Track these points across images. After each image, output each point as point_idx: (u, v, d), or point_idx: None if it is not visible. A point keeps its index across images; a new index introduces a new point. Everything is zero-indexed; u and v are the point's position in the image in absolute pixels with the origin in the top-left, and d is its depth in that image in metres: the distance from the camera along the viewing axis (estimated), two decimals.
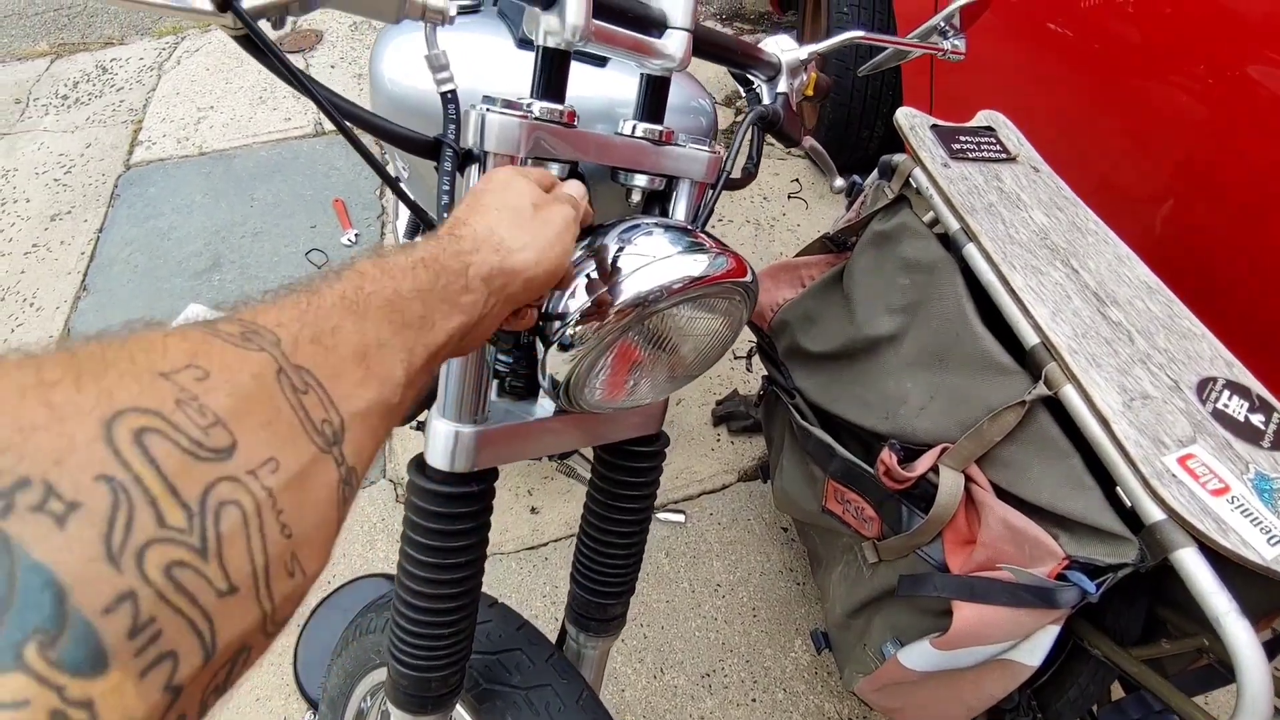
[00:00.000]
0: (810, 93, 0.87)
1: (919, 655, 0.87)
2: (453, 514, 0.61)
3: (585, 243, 0.56)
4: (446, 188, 0.52)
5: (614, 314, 0.53)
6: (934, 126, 1.07)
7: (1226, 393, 0.78)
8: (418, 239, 0.40)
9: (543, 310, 0.53)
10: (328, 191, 2.29)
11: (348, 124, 0.46)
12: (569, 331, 0.53)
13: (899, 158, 1.06)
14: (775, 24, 2.92)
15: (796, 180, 2.27)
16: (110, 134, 2.57)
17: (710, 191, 0.70)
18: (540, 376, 0.59)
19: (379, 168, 0.48)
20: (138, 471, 0.20)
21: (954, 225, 0.95)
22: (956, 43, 0.88)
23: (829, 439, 1.06)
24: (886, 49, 0.90)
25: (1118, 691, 0.92)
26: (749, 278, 0.59)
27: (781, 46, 0.81)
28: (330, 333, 0.30)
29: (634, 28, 0.61)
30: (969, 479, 0.86)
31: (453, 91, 0.52)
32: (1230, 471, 0.69)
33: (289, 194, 2.30)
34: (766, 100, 0.80)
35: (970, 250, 0.92)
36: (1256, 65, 1.06)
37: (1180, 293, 0.90)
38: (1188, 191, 1.19)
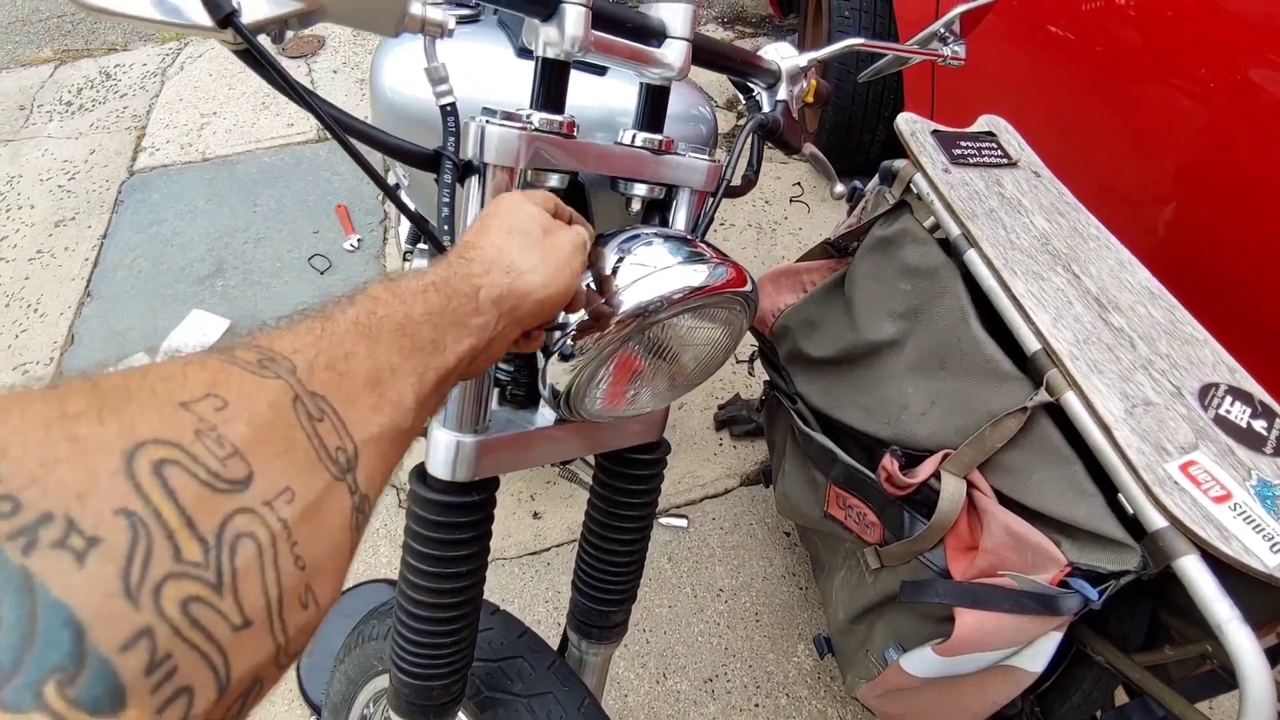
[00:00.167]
0: (810, 99, 0.87)
1: (921, 661, 0.87)
2: (454, 523, 0.61)
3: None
4: (446, 199, 0.52)
5: (614, 325, 0.53)
6: (935, 132, 1.07)
7: (1229, 398, 0.77)
8: (424, 262, 0.41)
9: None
10: (330, 197, 2.30)
11: (347, 137, 0.46)
12: (569, 342, 0.54)
13: (900, 163, 1.06)
14: (777, 27, 2.93)
15: (798, 184, 2.27)
16: (114, 140, 2.58)
17: (710, 200, 0.70)
18: (541, 386, 0.59)
19: (380, 180, 0.48)
20: (157, 505, 0.20)
21: (955, 231, 0.95)
22: (956, 49, 0.88)
23: (831, 444, 1.06)
24: (886, 55, 0.90)
25: (1121, 697, 0.92)
26: (749, 287, 0.59)
27: (781, 54, 0.81)
28: (344, 358, 0.30)
29: (633, 37, 0.61)
30: (971, 485, 0.86)
31: (452, 104, 0.52)
32: (1232, 478, 0.69)
33: (292, 199, 2.31)
34: (766, 108, 0.81)
35: (971, 256, 0.92)
36: (1258, 69, 1.06)
37: (1182, 298, 0.89)
38: (1190, 196, 1.19)
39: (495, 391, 0.68)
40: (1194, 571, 0.63)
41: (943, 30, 0.88)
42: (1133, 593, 0.76)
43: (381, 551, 1.47)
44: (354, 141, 0.50)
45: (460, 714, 0.76)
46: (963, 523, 0.86)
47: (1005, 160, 1.07)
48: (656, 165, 0.66)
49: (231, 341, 0.28)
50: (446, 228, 0.53)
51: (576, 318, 0.52)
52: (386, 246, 2.14)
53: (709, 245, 0.62)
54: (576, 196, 0.76)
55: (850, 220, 1.15)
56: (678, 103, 0.87)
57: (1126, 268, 0.92)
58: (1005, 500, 0.83)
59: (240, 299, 2.00)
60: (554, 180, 0.61)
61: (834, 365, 1.12)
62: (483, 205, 0.56)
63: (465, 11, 0.85)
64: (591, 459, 0.78)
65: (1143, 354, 0.81)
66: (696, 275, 0.57)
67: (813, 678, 1.30)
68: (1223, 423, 0.75)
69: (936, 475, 0.87)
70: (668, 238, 0.60)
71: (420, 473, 0.62)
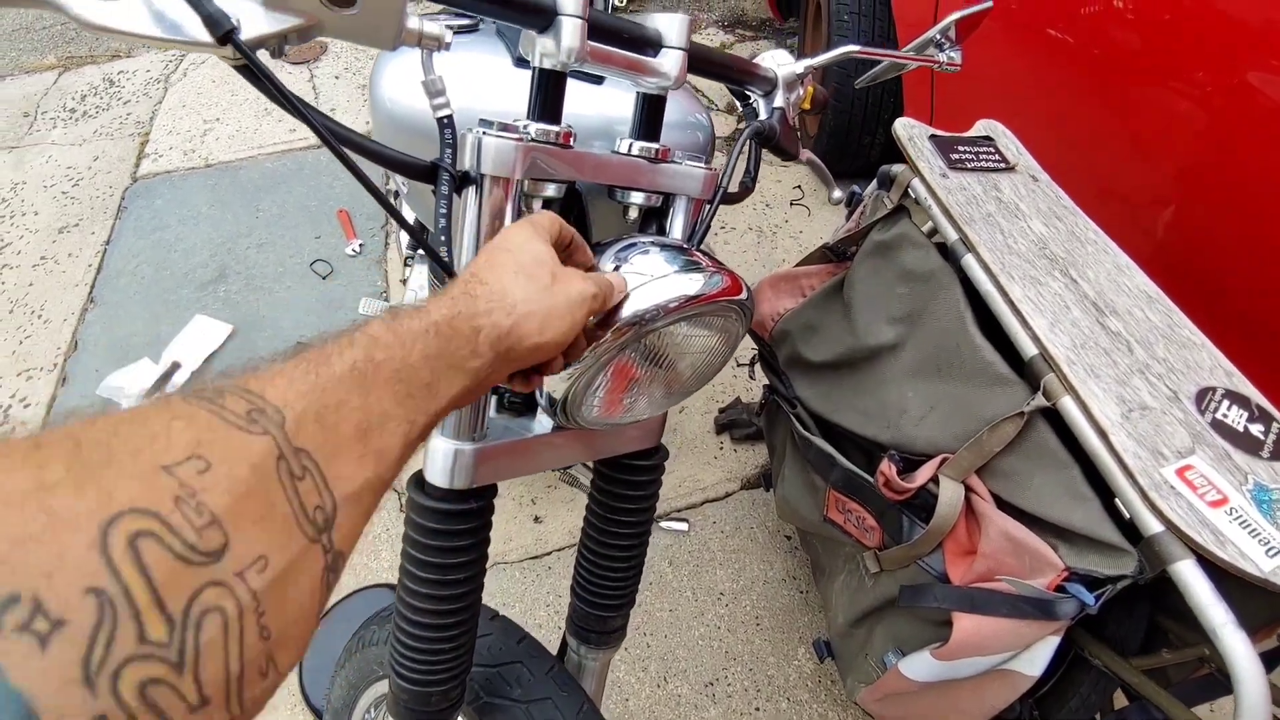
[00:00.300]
0: (807, 106, 0.87)
1: (920, 665, 0.87)
2: (452, 531, 0.62)
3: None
4: (444, 210, 0.53)
5: (611, 333, 0.54)
6: (932, 137, 1.07)
7: (1226, 402, 0.78)
8: (424, 269, 0.41)
9: None
10: (332, 202, 2.31)
11: (343, 149, 0.47)
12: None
13: (898, 168, 1.07)
14: (778, 30, 2.93)
15: (798, 187, 2.28)
16: (117, 147, 2.60)
17: (707, 207, 0.71)
18: (538, 394, 0.60)
19: (378, 194, 0.49)
20: (127, 582, 0.20)
21: (952, 235, 0.95)
22: (953, 55, 0.89)
23: (830, 449, 1.06)
24: (883, 62, 0.90)
25: (1121, 700, 0.92)
26: (744, 295, 0.60)
27: (778, 61, 0.81)
28: (336, 408, 0.30)
29: (629, 48, 0.61)
30: (969, 490, 0.86)
31: (449, 116, 0.53)
32: (1229, 482, 0.69)
33: (294, 205, 2.32)
34: (763, 115, 0.81)
35: (969, 261, 0.92)
36: (1256, 72, 1.06)
37: (1181, 301, 0.90)
38: (1188, 199, 1.20)
39: (493, 399, 0.68)
40: (1189, 576, 0.63)
41: (939, 36, 0.88)
42: (1130, 597, 0.77)
43: (383, 556, 1.48)
44: (352, 154, 0.50)
45: (459, 719, 0.76)
46: (961, 527, 0.86)
47: (1003, 165, 1.07)
48: (653, 174, 0.66)
49: (225, 381, 0.28)
50: (444, 238, 0.53)
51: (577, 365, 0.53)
52: (388, 251, 2.15)
53: (705, 254, 0.62)
54: (574, 205, 0.76)
55: (849, 225, 1.15)
56: (674, 111, 0.87)
57: (1124, 272, 0.93)
58: (1004, 505, 0.84)
59: (243, 304, 2.01)
60: (550, 190, 0.61)
61: (833, 369, 1.12)
62: (480, 216, 0.57)
63: (464, 21, 0.86)
64: (591, 464, 0.78)
65: (1140, 358, 0.81)
66: (692, 284, 0.57)
67: (813, 681, 1.30)
68: (1219, 427, 0.75)
69: (935, 479, 0.87)
70: (664, 246, 0.60)
71: (419, 480, 0.62)
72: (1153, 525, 0.67)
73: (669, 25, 0.63)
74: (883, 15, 1.85)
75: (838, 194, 1.00)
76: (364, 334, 0.35)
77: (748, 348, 1.50)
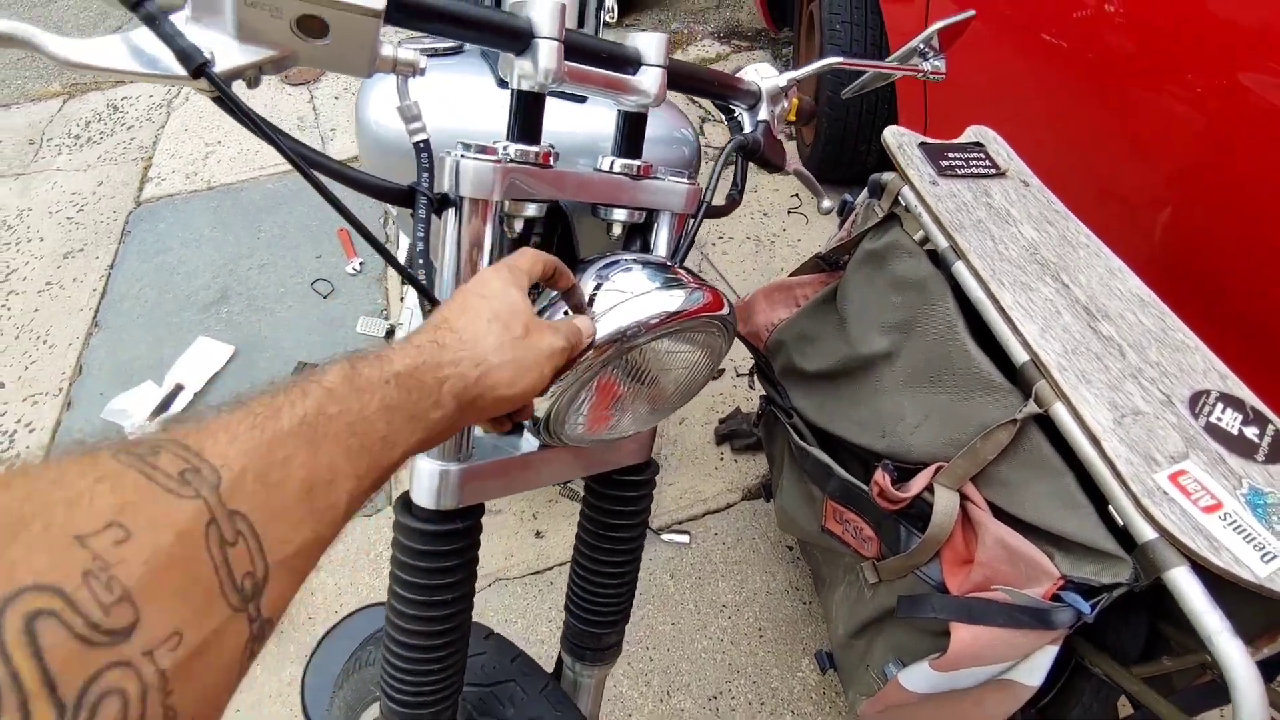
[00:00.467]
0: (793, 118, 0.87)
1: (919, 677, 0.86)
2: (440, 552, 0.62)
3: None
4: (421, 234, 0.53)
5: (592, 350, 0.54)
6: (922, 144, 1.07)
7: (1220, 405, 0.77)
8: (395, 341, 0.40)
9: None
10: (332, 222, 2.32)
11: (318, 176, 0.47)
12: None
13: (888, 176, 1.07)
14: (773, 40, 2.94)
15: (796, 195, 2.28)
16: (121, 171, 2.63)
17: (691, 221, 0.71)
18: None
19: (353, 219, 0.49)
20: (17, 666, 0.19)
21: (943, 243, 0.95)
22: (937, 64, 0.89)
23: (826, 458, 1.06)
24: (867, 72, 0.90)
25: (1128, 708, 0.91)
26: (725, 311, 0.60)
27: (761, 74, 0.82)
28: (281, 465, 0.29)
29: (608, 66, 0.62)
30: (965, 498, 0.86)
31: (425, 141, 0.53)
32: (1223, 487, 0.68)
33: (295, 225, 2.33)
34: (748, 128, 0.81)
35: (959, 268, 0.92)
36: (1250, 73, 1.06)
37: (1174, 304, 0.89)
38: (1184, 201, 1.19)
39: None
40: (1184, 583, 0.63)
41: (922, 46, 0.89)
42: (1129, 604, 0.76)
43: (386, 574, 1.48)
44: (330, 182, 0.51)
45: None
46: (958, 536, 0.86)
47: (993, 171, 1.07)
48: (635, 190, 0.67)
49: (164, 435, 0.27)
50: (421, 261, 0.54)
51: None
52: (387, 269, 2.16)
53: (687, 270, 0.63)
54: (558, 222, 0.76)
55: (841, 234, 1.15)
56: (659, 126, 0.88)
57: (1116, 275, 0.92)
58: (1000, 513, 0.83)
59: (245, 325, 2.02)
60: (531, 210, 0.61)
61: (828, 379, 1.12)
62: (460, 238, 0.57)
63: (449, 44, 0.87)
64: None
65: (1132, 362, 0.81)
66: (673, 300, 0.57)
67: (818, 693, 1.29)
68: (1214, 430, 0.74)
69: (930, 489, 0.87)
70: (646, 263, 0.61)
71: (405, 502, 0.63)
72: (1146, 532, 0.66)
73: (648, 44, 0.63)
74: (874, 24, 1.86)
75: (827, 204, 1.00)
76: (319, 385, 0.33)
77: (747, 358, 1.50)
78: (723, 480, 1.62)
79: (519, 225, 0.62)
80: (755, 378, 1.32)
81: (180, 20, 0.44)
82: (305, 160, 0.49)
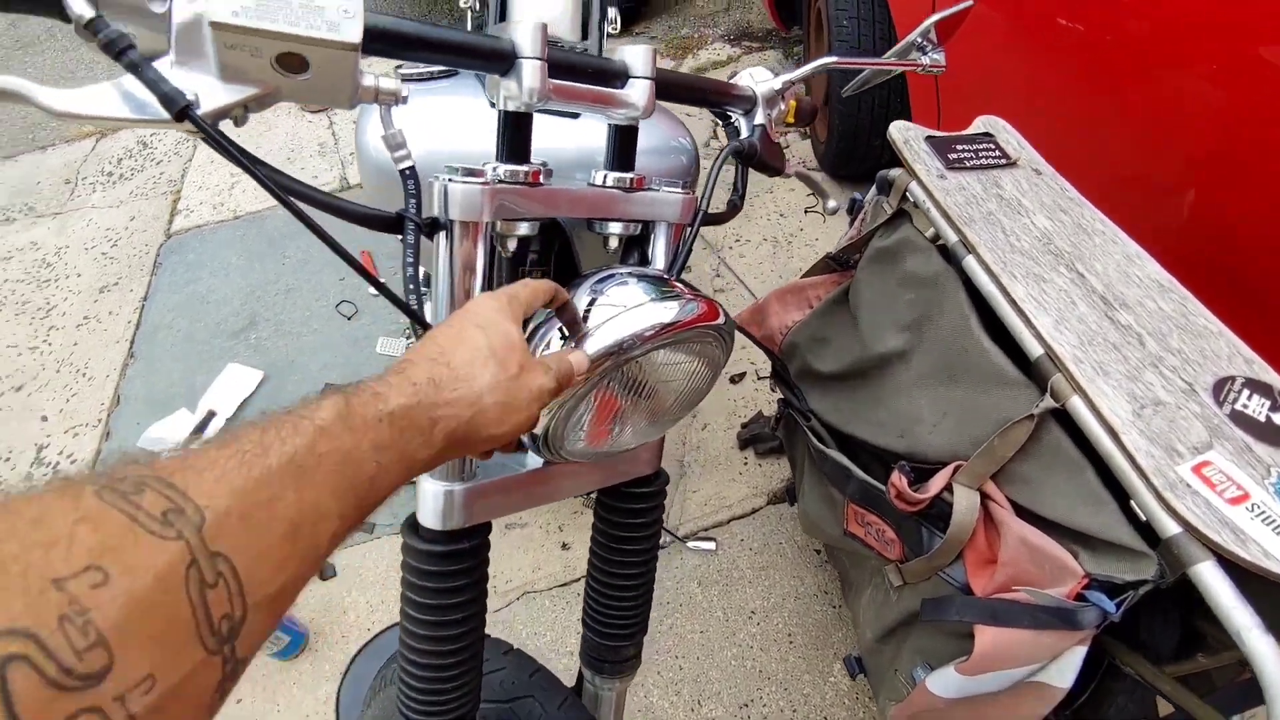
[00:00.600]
0: (791, 120, 0.87)
1: (945, 681, 0.85)
2: (448, 572, 0.62)
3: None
4: (411, 260, 0.54)
5: (589, 365, 0.54)
6: (929, 138, 1.06)
7: (1246, 392, 0.74)
8: (388, 372, 0.40)
9: None
10: (354, 244, 2.36)
11: (299, 207, 0.48)
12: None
13: (895, 172, 1.05)
14: (783, 39, 2.93)
15: (813, 194, 2.26)
16: (152, 205, 2.70)
17: (688, 231, 0.71)
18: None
19: (344, 253, 0.50)
20: None
21: (952, 237, 0.93)
22: (936, 57, 0.88)
23: (845, 460, 1.04)
24: (865, 70, 0.89)
25: (1167, 707, 0.88)
26: (721, 320, 0.60)
27: (756, 78, 0.81)
28: (266, 504, 0.29)
29: (594, 81, 0.62)
30: (986, 497, 0.84)
31: (411, 168, 0.54)
32: (1250, 477, 0.66)
33: (318, 249, 2.37)
34: (745, 133, 0.81)
35: (970, 262, 0.90)
36: (1273, 47, 1.03)
37: (1196, 289, 0.86)
38: (1206, 181, 1.15)
39: None
40: (1210, 578, 0.61)
41: (920, 40, 0.87)
42: (1159, 601, 0.74)
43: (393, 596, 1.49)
44: (321, 212, 0.52)
45: None
46: (980, 536, 0.84)
47: (1004, 160, 1.05)
48: (629, 203, 0.67)
49: (149, 472, 0.27)
50: (411, 287, 0.54)
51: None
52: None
53: (683, 282, 0.62)
54: (557, 238, 0.77)
55: (851, 232, 1.14)
56: (655, 136, 0.88)
57: (1134, 261, 0.90)
58: (1022, 511, 0.81)
59: (273, 349, 2.06)
60: (524, 228, 0.62)
61: (844, 380, 1.11)
62: (452, 261, 0.58)
63: (444, 66, 0.88)
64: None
65: (1152, 351, 0.78)
66: (667, 311, 0.57)
67: (850, 699, 1.27)
68: (1239, 418, 0.72)
69: (949, 488, 0.85)
70: (640, 276, 0.61)
71: (412, 523, 0.63)
72: (1170, 527, 0.64)
73: (634, 56, 0.63)
74: (882, 19, 1.84)
75: (833, 204, 0.99)
76: (311, 421, 0.33)
77: (767, 361, 1.48)
78: (747, 485, 1.61)
79: (512, 245, 0.62)
80: (773, 381, 1.31)
81: (165, 65, 0.45)
82: (292, 192, 0.50)
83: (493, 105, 0.86)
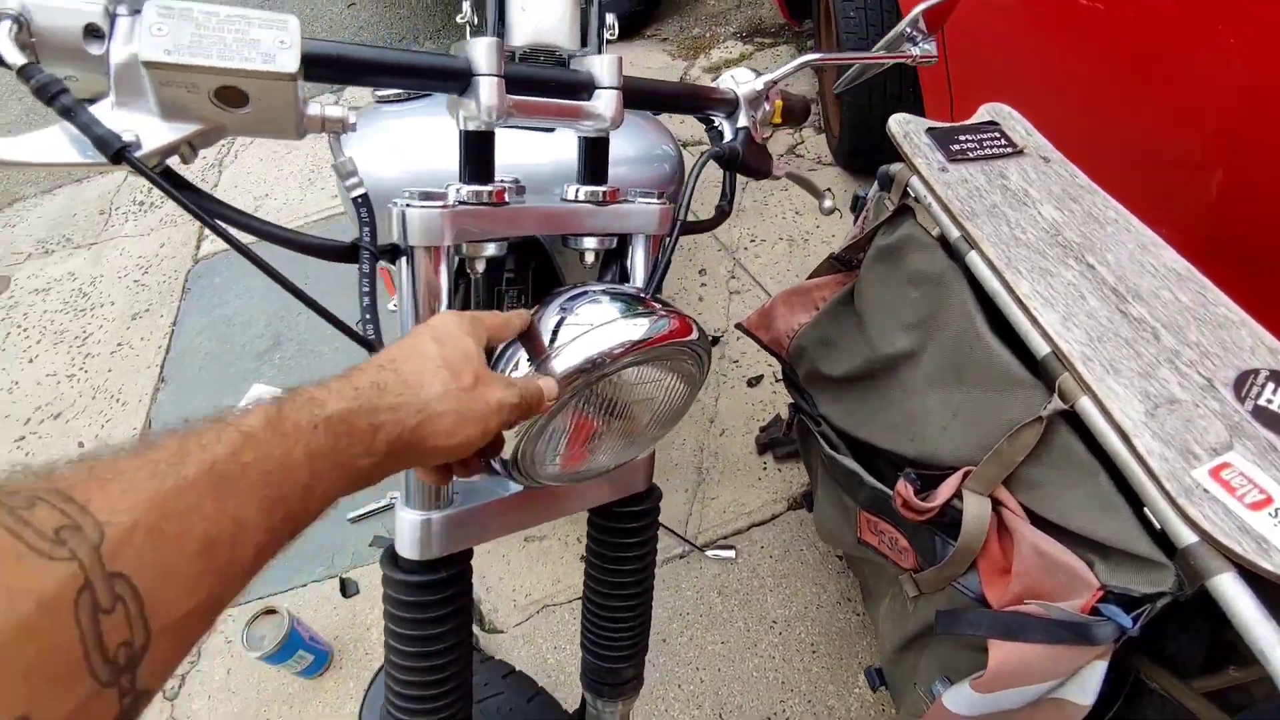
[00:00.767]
0: (778, 120, 0.84)
1: (961, 698, 0.81)
2: (428, 602, 0.61)
3: (532, 310, 0.56)
4: (366, 289, 0.53)
5: (558, 385, 0.52)
6: (930, 130, 1.02)
7: (1271, 385, 0.70)
8: (332, 378, 0.38)
9: None
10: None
11: (242, 244, 0.47)
12: None
13: (896, 167, 1.02)
14: (796, 33, 2.88)
15: (829, 190, 2.21)
16: (180, 233, 2.76)
17: (667, 241, 0.69)
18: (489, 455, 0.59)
19: (290, 286, 0.49)
20: None
21: (954, 233, 0.90)
22: (926, 47, 0.85)
23: (856, 466, 1.01)
24: (854, 65, 0.87)
25: None
26: (694, 336, 0.58)
27: (738, 80, 0.79)
28: (180, 516, 0.27)
29: (559, 95, 0.61)
30: (999, 503, 0.80)
31: (364, 195, 0.53)
32: (1273, 479, 0.62)
33: (339, 268, 2.40)
34: (729, 136, 0.79)
35: (973, 258, 0.87)
36: None
37: (1218, 277, 0.82)
38: (1232, 160, 1.09)
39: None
40: (1230, 591, 0.57)
41: (909, 30, 0.84)
42: (1184, 611, 0.69)
43: None
44: (273, 242, 0.51)
45: None
46: (994, 545, 0.80)
47: (1010, 149, 1.01)
48: (602, 217, 0.65)
49: (46, 483, 0.24)
50: (369, 317, 0.53)
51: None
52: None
53: (656, 298, 0.61)
54: (534, 254, 0.75)
55: (854, 231, 1.11)
56: (638, 144, 0.86)
57: (1149, 250, 0.85)
58: (1035, 518, 0.78)
59: (297, 369, 2.09)
60: (491, 249, 0.61)
61: (853, 383, 1.07)
62: (415, 288, 0.57)
63: (396, 88, 0.87)
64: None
65: (1167, 345, 0.74)
66: (636, 329, 0.55)
67: (876, 710, 1.23)
68: (1262, 415, 0.67)
69: (959, 495, 0.82)
70: (613, 293, 0.59)
71: (390, 554, 0.62)
72: (1186, 536, 0.60)
73: (600, 66, 0.62)
74: (890, 8, 1.79)
75: (828, 204, 0.96)
76: (236, 428, 0.31)
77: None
78: (766, 491, 1.57)
79: (480, 266, 0.61)
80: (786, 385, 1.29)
81: (107, 106, 0.45)
82: (243, 226, 0.49)
83: None
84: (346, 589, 1.56)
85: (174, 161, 0.49)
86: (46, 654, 0.22)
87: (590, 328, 0.55)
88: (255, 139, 3.14)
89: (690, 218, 0.74)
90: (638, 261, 0.69)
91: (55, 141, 0.43)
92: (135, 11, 0.43)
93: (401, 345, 0.43)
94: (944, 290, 0.91)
